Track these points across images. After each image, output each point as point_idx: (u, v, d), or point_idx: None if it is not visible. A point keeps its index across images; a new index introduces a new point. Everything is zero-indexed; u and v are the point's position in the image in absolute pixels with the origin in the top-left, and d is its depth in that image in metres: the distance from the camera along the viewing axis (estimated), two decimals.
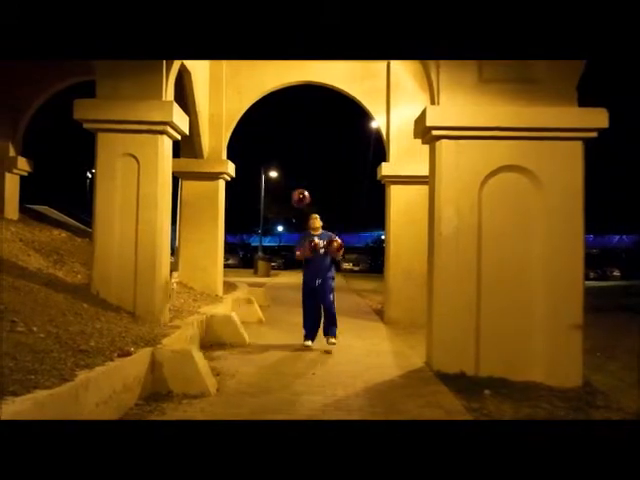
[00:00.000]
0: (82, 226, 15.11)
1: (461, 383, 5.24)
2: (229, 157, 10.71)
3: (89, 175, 35.16)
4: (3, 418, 2.69)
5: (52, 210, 16.77)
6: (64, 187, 31.73)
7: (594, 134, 5.56)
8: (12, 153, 10.64)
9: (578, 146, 5.58)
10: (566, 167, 5.55)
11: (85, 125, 6.43)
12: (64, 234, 10.40)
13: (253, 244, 46.27)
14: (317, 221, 7.32)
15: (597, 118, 5.52)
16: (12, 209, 10.63)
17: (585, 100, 5.60)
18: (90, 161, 6.62)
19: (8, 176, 10.62)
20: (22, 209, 11.57)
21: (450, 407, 4.54)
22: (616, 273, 32.98)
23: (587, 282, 5.89)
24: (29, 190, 12.98)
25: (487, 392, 4.97)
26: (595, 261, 32.82)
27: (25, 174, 11.11)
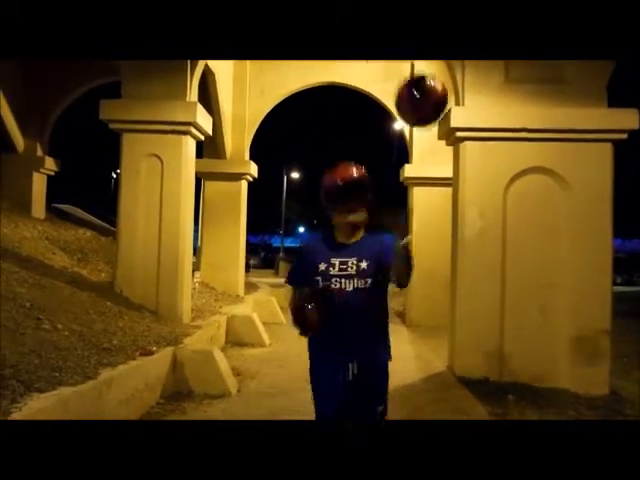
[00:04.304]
0: (107, 225, 15.29)
1: (484, 388, 5.14)
2: (251, 158, 10.74)
3: (114, 175, 35.69)
4: (27, 416, 2.72)
5: (78, 209, 17.00)
6: (90, 187, 32.28)
7: (624, 135, 5.43)
8: (40, 153, 10.81)
9: (607, 148, 5.45)
10: (594, 169, 5.42)
11: (110, 125, 6.51)
12: (89, 233, 10.54)
13: (274, 245, 46.41)
14: (360, 213, 2.48)
15: (627, 119, 5.38)
16: (39, 208, 10.80)
17: (615, 100, 5.46)
18: (115, 161, 6.70)
19: (36, 175, 10.78)
20: (49, 208, 11.77)
21: (473, 412, 4.47)
22: None
23: (614, 287, 5.75)
24: (56, 189, 13.19)
25: (511, 398, 4.88)
26: (622, 265, 32.05)
27: (52, 174, 11.28)
